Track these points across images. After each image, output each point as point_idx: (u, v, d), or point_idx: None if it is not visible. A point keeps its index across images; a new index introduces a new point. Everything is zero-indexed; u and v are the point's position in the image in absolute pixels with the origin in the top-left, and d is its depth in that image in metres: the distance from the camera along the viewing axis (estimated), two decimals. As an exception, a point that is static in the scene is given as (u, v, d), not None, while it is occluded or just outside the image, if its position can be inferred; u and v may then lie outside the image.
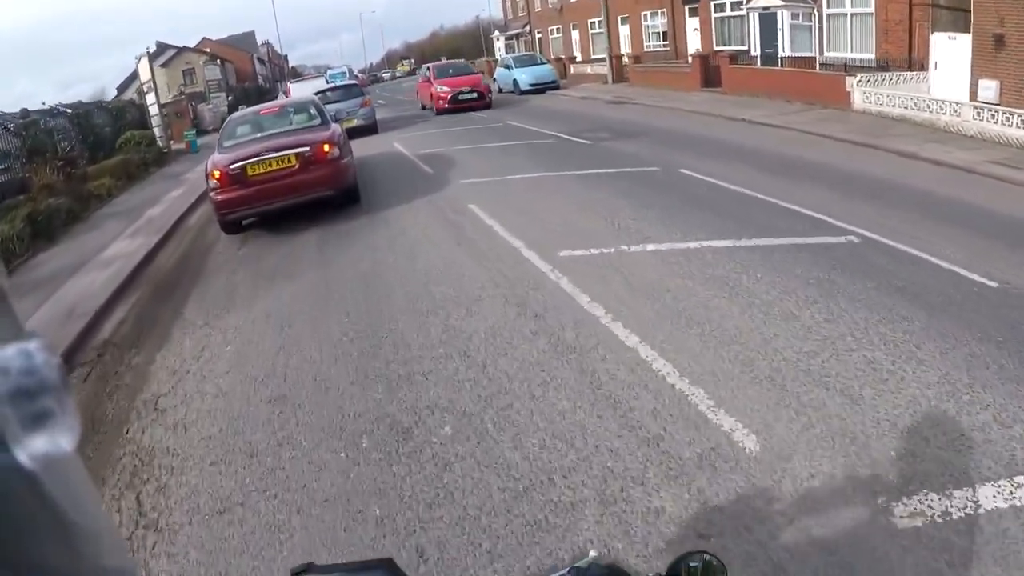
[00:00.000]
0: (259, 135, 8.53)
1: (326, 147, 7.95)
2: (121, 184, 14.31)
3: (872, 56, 15.97)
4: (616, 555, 2.40)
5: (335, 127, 8.90)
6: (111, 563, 0.35)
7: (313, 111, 9.23)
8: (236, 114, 10.48)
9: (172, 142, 20.72)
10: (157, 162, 17.76)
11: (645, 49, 25.43)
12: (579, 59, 29.10)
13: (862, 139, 10.72)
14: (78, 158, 15.10)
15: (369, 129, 17.21)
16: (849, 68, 15.32)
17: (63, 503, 0.31)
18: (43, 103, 17.79)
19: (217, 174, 7.71)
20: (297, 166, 7.73)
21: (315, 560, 0.86)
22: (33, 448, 0.30)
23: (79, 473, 0.35)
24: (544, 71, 24.88)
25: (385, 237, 7.27)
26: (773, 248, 5.70)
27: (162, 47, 48.69)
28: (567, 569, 0.90)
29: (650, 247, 5.93)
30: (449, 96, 19.34)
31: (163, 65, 47.29)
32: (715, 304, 4.63)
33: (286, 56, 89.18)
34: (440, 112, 19.39)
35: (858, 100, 13.85)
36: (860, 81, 13.93)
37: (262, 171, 7.65)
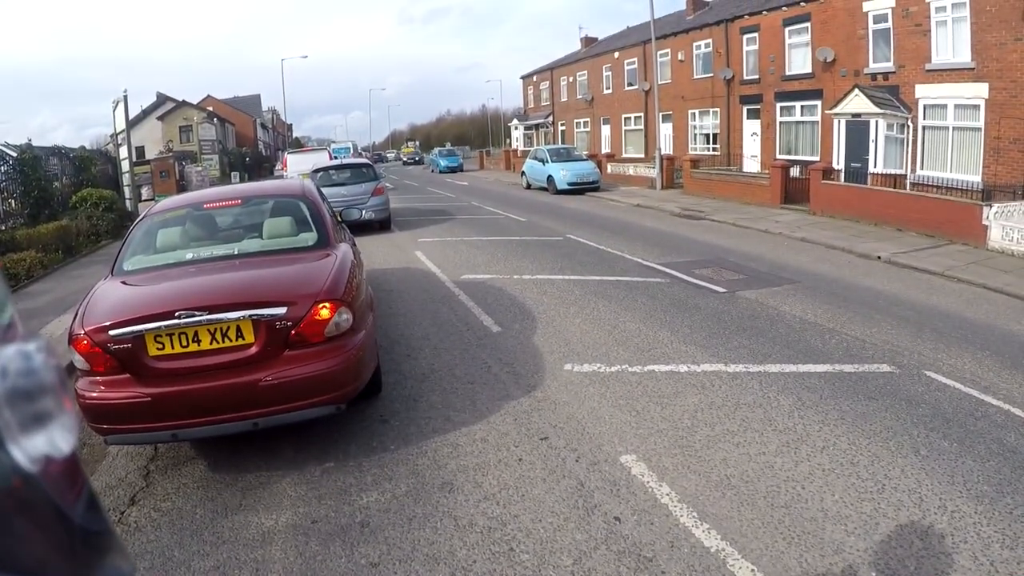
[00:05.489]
0: (194, 256, 4.59)
1: (324, 309, 3.86)
2: (53, 261, 10.90)
3: (978, 179, 13.52)
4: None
5: (343, 252, 4.70)
6: (110, 563, 0.33)
7: (304, 212, 5.12)
8: (167, 202, 5.82)
9: (142, 204, 17.40)
10: (113, 231, 14.37)
11: (690, 151, 23.00)
12: (615, 156, 26.53)
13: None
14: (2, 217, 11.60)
15: (381, 225, 13.80)
16: (951, 191, 12.77)
17: (62, 504, 0.31)
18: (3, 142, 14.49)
19: (85, 343, 3.63)
20: (256, 348, 3.75)
21: None
22: (31, 449, 0.29)
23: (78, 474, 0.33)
24: (586, 168, 21.55)
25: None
26: None
27: (162, 98, 46.30)
28: None
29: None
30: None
31: (160, 118, 44.86)
32: None
33: (291, 125, 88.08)
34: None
35: (996, 236, 11.02)
36: (999, 213, 11.15)
37: (180, 351, 3.70)
